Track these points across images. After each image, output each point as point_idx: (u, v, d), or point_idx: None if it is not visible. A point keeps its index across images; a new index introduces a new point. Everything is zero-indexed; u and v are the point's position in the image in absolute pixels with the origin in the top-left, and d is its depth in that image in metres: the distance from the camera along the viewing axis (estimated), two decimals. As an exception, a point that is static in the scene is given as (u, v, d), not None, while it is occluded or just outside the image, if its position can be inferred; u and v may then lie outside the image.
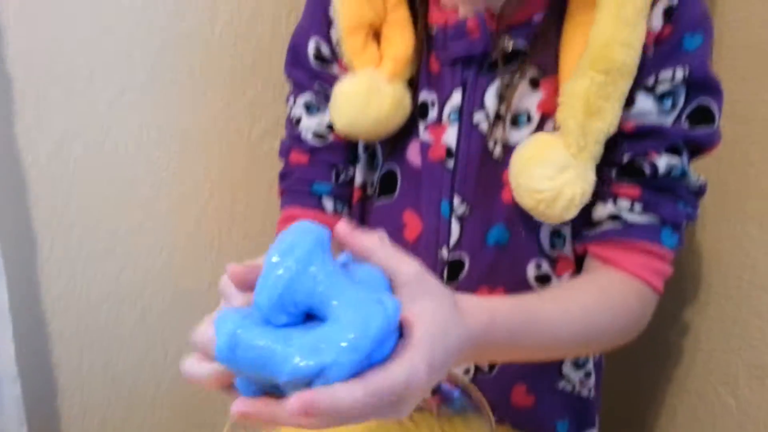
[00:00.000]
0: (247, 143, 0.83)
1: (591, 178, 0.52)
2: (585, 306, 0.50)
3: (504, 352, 0.48)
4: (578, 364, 0.63)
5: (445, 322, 0.36)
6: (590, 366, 0.64)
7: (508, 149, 0.55)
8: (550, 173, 0.50)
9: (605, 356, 0.70)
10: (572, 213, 0.52)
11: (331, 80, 0.60)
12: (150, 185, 0.78)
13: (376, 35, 0.59)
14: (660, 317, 0.80)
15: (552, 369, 0.63)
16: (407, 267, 0.37)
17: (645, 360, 0.86)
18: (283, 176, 0.66)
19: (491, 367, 0.62)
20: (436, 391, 0.49)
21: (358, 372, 0.32)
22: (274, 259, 0.34)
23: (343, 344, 0.32)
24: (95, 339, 0.81)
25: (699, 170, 0.56)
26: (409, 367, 0.33)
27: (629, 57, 0.49)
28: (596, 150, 0.51)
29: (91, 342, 0.81)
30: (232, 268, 0.37)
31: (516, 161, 0.53)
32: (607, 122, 0.51)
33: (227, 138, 0.82)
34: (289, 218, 0.64)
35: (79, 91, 0.72)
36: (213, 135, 0.81)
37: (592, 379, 0.64)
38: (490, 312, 0.41)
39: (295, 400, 0.31)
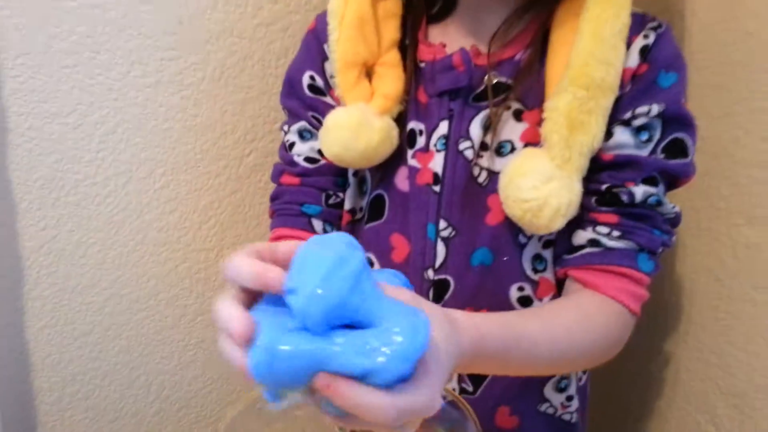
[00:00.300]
0: (236, 177, 0.85)
1: (577, 189, 0.54)
2: (568, 326, 0.52)
3: (490, 367, 0.50)
4: (560, 388, 0.64)
5: (446, 344, 0.38)
6: (572, 390, 0.65)
7: (493, 175, 0.58)
8: (535, 183, 0.53)
9: (590, 385, 0.71)
10: (559, 223, 0.54)
11: (324, 109, 0.63)
12: (139, 217, 0.79)
13: (368, 72, 0.62)
14: (642, 348, 0.82)
15: (534, 392, 0.64)
16: (401, 294, 0.39)
17: (628, 390, 0.87)
18: (274, 198, 0.68)
19: (475, 388, 0.63)
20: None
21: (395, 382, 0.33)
22: (324, 269, 0.34)
23: (392, 349, 0.32)
24: (78, 371, 0.80)
25: (674, 202, 0.58)
26: (431, 393, 0.35)
27: (608, 74, 0.53)
28: (581, 162, 0.54)
29: (73, 374, 0.80)
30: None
31: (504, 174, 0.55)
32: (591, 135, 0.53)
33: (217, 172, 0.83)
34: (279, 238, 0.65)
35: (72, 125, 0.74)
36: (203, 169, 0.82)
37: (575, 403, 0.65)
38: (480, 328, 0.43)
39: (325, 375, 0.33)
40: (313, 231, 0.65)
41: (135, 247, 0.80)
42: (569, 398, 0.65)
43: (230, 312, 0.36)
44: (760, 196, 0.67)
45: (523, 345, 0.48)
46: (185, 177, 0.81)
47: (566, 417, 0.66)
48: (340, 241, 0.36)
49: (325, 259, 0.34)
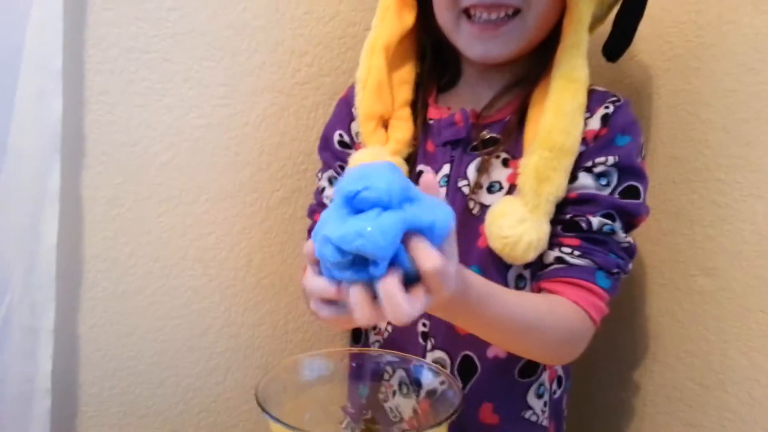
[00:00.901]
0: (266, 208, 0.97)
1: (545, 229, 0.68)
2: (537, 308, 0.65)
3: (465, 316, 0.60)
4: (539, 394, 0.76)
5: (455, 257, 0.51)
6: (546, 397, 0.76)
7: (484, 208, 0.72)
8: (512, 223, 0.66)
9: (568, 408, 0.82)
10: (531, 255, 0.67)
11: (348, 159, 0.78)
12: (182, 234, 0.92)
13: (385, 124, 0.77)
14: (615, 379, 0.93)
15: (519, 397, 0.75)
16: None
17: (602, 418, 0.97)
18: (309, 231, 0.83)
19: (464, 384, 0.74)
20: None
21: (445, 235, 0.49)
22: (387, 172, 0.48)
23: (443, 209, 0.48)
24: (117, 368, 0.91)
25: (644, 256, 0.71)
26: (453, 272, 0.49)
27: (568, 140, 0.67)
28: (548, 208, 0.67)
29: (113, 370, 0.90)
30: None
31: (489, 215, 0.69)
32: (555, 186, 0.67)
33: (251, 203, 0.96)
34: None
35: (137, 154, 0.87)
36: (239, 199, 0.95)
37: (547, 410, 0.76)
38: (468, 278, 0.56)
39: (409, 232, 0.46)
40: None
41: (177, 261, 0.92)
42: (545, 404, 0.76)
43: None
44: (712, 251, 0.79)
45: (498, 306, 0.60)
46: (223, 205, 0.94)
47: (545, 423, 0.77)
48: (382, 160, 0.50)
49: (383, 167, 0.49)
